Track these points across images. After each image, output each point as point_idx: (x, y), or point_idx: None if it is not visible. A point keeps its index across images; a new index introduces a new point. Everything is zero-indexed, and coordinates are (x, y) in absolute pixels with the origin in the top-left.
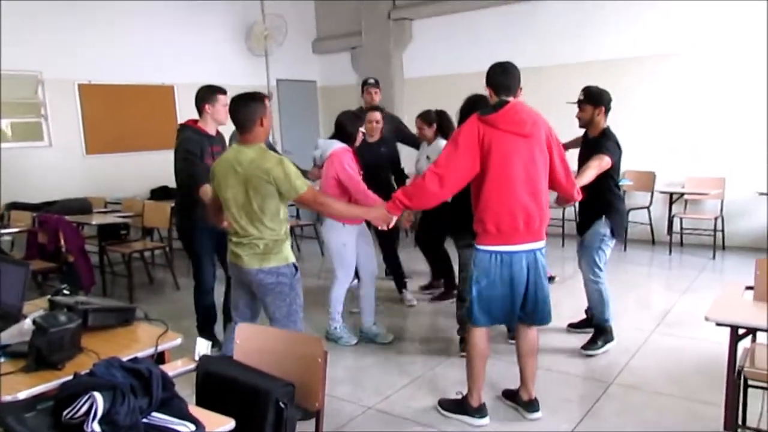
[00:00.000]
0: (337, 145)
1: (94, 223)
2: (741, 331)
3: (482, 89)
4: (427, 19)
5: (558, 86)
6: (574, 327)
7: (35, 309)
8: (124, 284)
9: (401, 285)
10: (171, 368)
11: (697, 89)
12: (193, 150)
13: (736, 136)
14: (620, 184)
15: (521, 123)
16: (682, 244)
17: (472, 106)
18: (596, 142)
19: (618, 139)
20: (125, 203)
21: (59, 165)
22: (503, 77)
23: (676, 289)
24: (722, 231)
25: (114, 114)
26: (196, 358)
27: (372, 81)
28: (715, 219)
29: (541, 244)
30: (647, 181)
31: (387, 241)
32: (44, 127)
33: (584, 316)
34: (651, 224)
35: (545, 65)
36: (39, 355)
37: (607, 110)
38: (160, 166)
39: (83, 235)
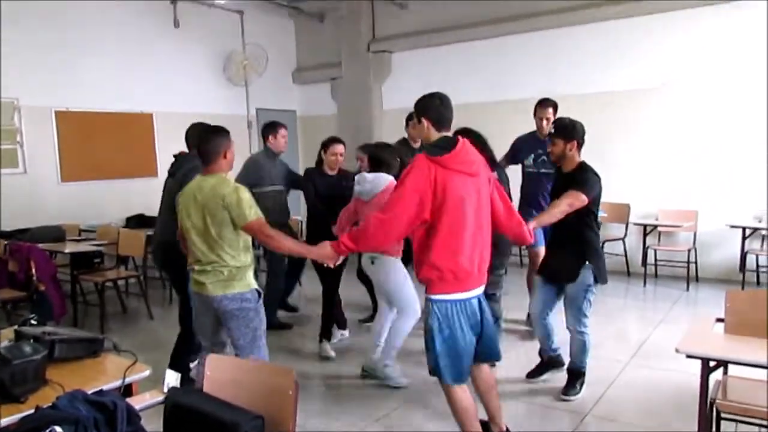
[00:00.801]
0: (387, 176)
1: (67, 251)
2: (712, 363)
3: (461, 122)
4: (405, 52)
5: (530, 120)
6: (533, 376)
7: (1, 340)
8: (97, 314)
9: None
10: (139, 401)
11: (670, 122)
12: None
13: (707, 169)
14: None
15: (470, 162)
16: (656, 275)
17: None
18: (571, 177)
19: (596, 171)
20: (100, 231)
21: (33, 192)
22: (445, 110)
23: (651, 321)
24: (695, 263)
25: (91, 141)
26: (165, 390)
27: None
28: (689, 251)
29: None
30: (622, 212)
31: (330, 278)
32: (19, 154)
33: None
34: (626, 256)
35: (518, 98)
36: (1, 387)
37: (581, 144)
38: (137, 194)
39: (55, 264)
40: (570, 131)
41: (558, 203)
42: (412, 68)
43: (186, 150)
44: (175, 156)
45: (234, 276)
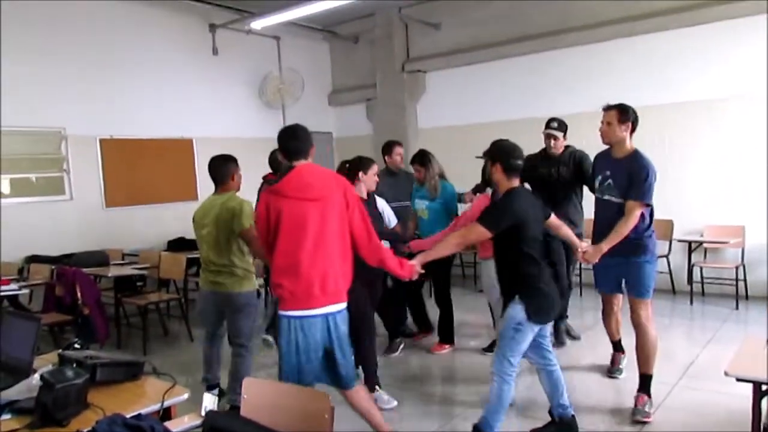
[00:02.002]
0: None
1: (110, 275)
2: (765, 387)
3: (494, 138)
4: (440, 71)
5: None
6: None
7: (45, 363)
8: (139, 336)
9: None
10: (176, 424)
11: (712, 136)
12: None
13: (754, 183)
14: None
15: (307, 188)
16: (703, 293)
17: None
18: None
19: (525, 202)
20: (142, 255)
21: (79, 218)
22: (292, 142)
23: (698, 341)
24: (744, 280)
25: (133, 167)
26: (203, 413)
27: None
28: (737, 268)
29: (341, 306)
30: (665, 229)
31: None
32: (66, 181)
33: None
34: (671, 273)
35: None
36: (45, 411)
37: (506, 168)
38: (178, 218)
39: (99, 288)
40: (491, 152)
41: (450, 236)
42: (446, 87)
43: (270, 172)
44: (263, 178)
45: (246, 276)
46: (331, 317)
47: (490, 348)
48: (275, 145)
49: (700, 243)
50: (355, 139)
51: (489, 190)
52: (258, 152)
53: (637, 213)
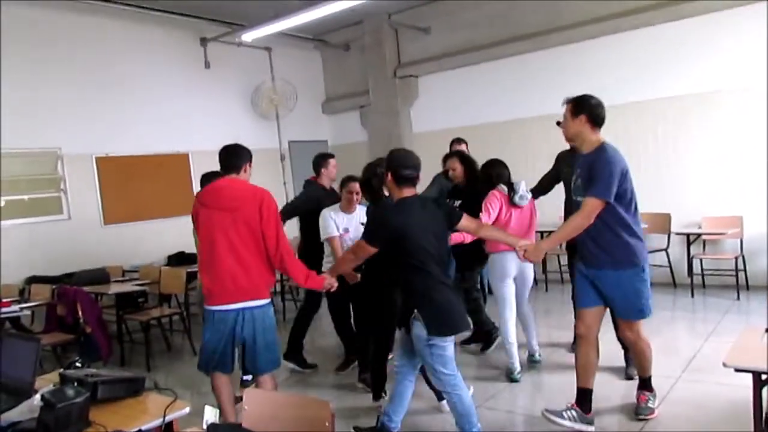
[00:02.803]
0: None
1: (111, 292)
2: (764, 377)
3: (490, 140)
4: (432, 75)
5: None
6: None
7: (47, 383)
8: (142, 352)
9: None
10: None
11: (707, 129)
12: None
13: (750, 173)
14: None
15: (221, 199)
16: (704, 285)
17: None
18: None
19: (405, 213)
20: (142, 270)
21: (78, 237)
22: (226, 158)
23: (701, 333)
24: (744, 270)
25: (130, 184)
26: (204, 426)
27: None
28: (736, 258)
29: (257, 302)
30: (663, 222)
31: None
32: (63, 201)
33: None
34: (671, 266)
35: (544, 114)
36: (46, 431)
37: (396, 177)
38: (176, 232)
39: (100, 306)
40: (387, 162)
41: (345, 253)
42: (439, 91)
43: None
44: (306, 181)
45: None
46: (244, 311)
47: (468, 341)
48: (272, 156)
49: (699, 235)
50: (351, 146)
51: None
52: (255, 163)
53: (591, 211)
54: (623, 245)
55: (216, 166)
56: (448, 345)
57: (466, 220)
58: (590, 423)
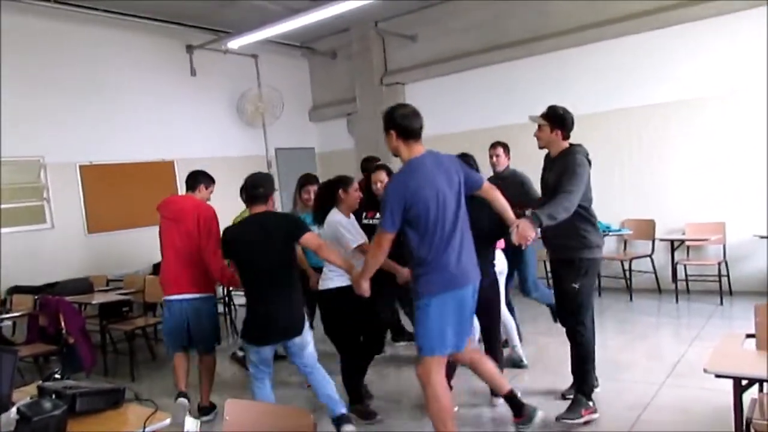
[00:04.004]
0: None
1: (95, 302)
2: (744, 382)
3: (476, 147)
4: (419, 83)
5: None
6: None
7: (24, 396)
8: (127, 362)
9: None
10: None
11: (690, 135)
12: None
13: (732, 179)
14: (621, 233)
15: (169, 211)
16: (688, 291)
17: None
18: None
19: (243, 230)
20: (127, 280)
21: (61, 246)
22: (188, 179)
23: (685, 338)
24: (727, 276)
25: (114, 192)
26: None
27: None
28: (719, 264)
29: (197, 294)
30: (647, 229)
31: None
32: (46, 210)
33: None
34: (655, 272)
35: (526, 122)
36: None
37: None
38: None
39: (84, 316)
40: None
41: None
42: (425, 98)
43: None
44: (359, 183)
45: None
46: (185, 302)
47: None
48: (259, 163)
49: (683, 241)
50: (338, 153)
51: None
52: (241, 171)
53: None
54: (426, 275)
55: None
56: (262, 350)
57: (309, 236)
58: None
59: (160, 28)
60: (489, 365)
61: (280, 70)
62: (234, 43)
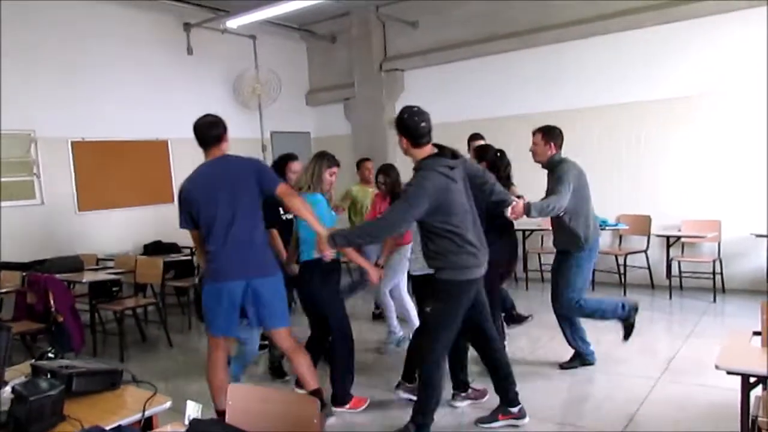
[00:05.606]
0: None
1: (84, 281)
2: (752, 380)
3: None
4: (417, 70)
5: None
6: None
7: (18, 375)
8: (116, 343)
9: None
10: None
11: (688, 132)
12: None
13: (729, 178)
14: (617, 227)
15: None
16: (681, 287)
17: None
18: None
19: None
20: (118, 260)
21: (51, 223)
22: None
23: (679, 334)
24: (721, 274)
25: (107, 170)
26: (186, 422)
27: None
28: (714, 262)
29: None
30: (643, 224)
31: None
32: (36, 186)
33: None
34: (649, 268)
35: (528, 113)
36: (18, 425)
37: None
38: (154, 221)
39: (73, 294)
40: None
41: None
42: (424, 85)
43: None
44: None
45: None
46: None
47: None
48: (254, 146)
49: (678, 238)
50: (334, 138)
51: None
52: (237, 152)
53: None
54: None
55: (196, 154)
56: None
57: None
58: None
59: (157, 4)
60: (302, 360)
61: (278, 52)
62: (232, 23)
